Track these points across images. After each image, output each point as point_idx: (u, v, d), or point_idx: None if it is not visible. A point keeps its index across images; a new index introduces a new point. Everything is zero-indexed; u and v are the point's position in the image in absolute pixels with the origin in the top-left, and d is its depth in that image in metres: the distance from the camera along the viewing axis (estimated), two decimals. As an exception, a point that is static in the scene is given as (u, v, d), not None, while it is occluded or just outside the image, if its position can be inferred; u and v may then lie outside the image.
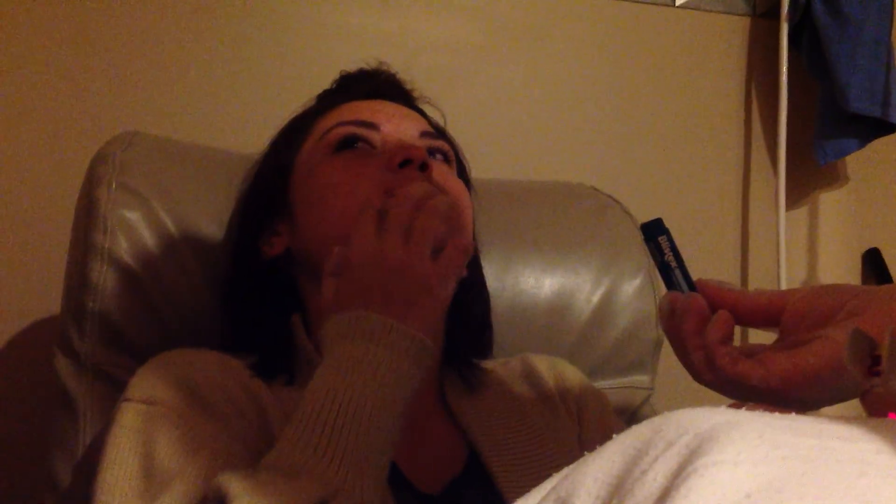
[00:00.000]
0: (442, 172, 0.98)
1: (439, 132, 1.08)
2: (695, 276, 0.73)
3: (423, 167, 0.93)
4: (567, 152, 1.73)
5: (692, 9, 1.80)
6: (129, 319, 1.06)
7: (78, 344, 1.06)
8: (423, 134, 1.02)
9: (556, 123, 1.73)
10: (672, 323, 0.72)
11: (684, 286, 0.73)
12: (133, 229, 1.07)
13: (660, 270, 0.75)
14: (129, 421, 0.84)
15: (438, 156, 1.02)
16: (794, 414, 0.40)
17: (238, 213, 1.09)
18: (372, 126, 0.99)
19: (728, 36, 1.83)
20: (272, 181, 1.04)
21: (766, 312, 0.71)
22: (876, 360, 0.51)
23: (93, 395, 1.05)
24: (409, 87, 1.14)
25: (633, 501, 0.37)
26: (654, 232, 0.75)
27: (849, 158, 1.87)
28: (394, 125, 1.00)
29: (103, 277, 1.05)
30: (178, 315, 1.09)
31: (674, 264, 0.74)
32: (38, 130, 1.47)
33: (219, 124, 1.52)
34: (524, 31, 1.73)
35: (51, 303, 1.18)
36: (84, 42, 1.50)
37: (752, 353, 0.67)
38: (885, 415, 0.49)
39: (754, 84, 1.84)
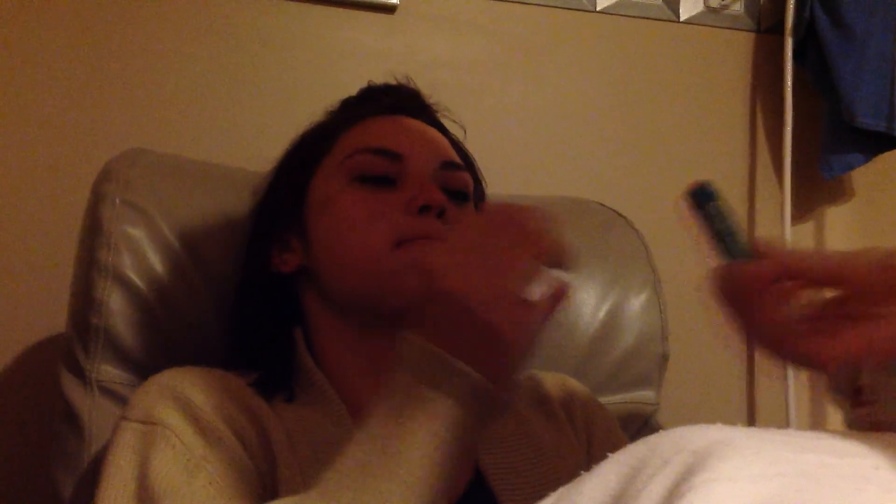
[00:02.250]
0: (458, 216, 0.98)
1: (460, 155, 1.08)
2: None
3: (441, 214, 0.94)
4: (573, 168, 1.73)
5: (696, 24, 1.80)
6: (134, 336, 1.06)
7: (83, 360, 1.06)
8: (445, 165, 1.01)
9: (562, 139, 1.73)
10: (732, 294, 0.68)
11: (740, 253, 0.68)
12: (137, 246, 1.08)
13: (712, 239, 0.69)
14: (126, 440, 0.84)
15: (456, 200, 1.00)
16: (790, 429, 0.39)
17: (252, 223, 1.09)
18: (394, 156, 0.99)
19: (732, 51, 1.83)
20: (289, 195, 1.04)
21: (834, 277, 0.66)
22: (859, 390, 0.50)
23: (97, 412, 1.05)
24: (430, 101, 1.14)
25: None
26: (702, 198, 0.70)
27: (855, 173, 1.86)
28: (416, 154, 0.99)
29: (107, 294, 1.05)
30: (181, 331, 1.09)
31: (730, 229, 0.69)
32: (43, 147, 1.48)
33: (224, 141, 1.52)
34: (529, 47, 1.73)
35: (57, 320, 1.18)
36: (89, 59, 1.51)
37: (818, 318, 0.64)
38: None
39: (759, 99, 1.84)
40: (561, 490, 0.42)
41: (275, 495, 0.83)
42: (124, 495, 0.79)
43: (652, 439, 0.40)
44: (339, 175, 0.99)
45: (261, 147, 1.12)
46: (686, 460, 0.37)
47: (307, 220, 1.00)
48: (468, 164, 1.09)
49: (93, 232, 1.08)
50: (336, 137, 1.03)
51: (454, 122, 1.15)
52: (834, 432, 0.40)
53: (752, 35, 1.84)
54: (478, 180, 1.11)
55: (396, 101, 1.09)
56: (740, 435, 0.38)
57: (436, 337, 0.70)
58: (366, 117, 1.05)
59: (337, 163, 1.00)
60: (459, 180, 1.03)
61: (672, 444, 0.39)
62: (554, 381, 1.11)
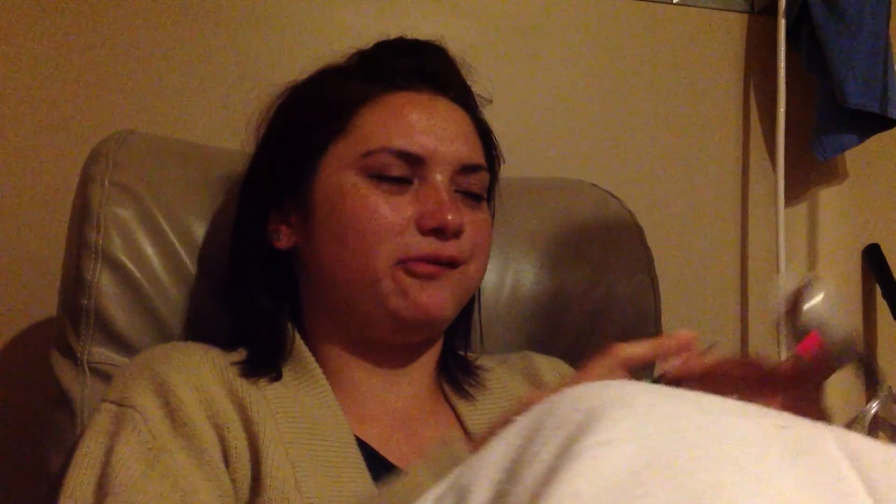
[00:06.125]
0: (471, 224, 0.96)
1: (481, 134, 1.04)
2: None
3: (457, 234, 0.93)
4: (566, 149, 1.73)
5: (690, 6, 1.80)
6: (124, 317, 1.07)
7: (74, 342, 1.07)
8: (465, 169, 0.97)
9: (555, 120, 1.73)
10: None
11: None
12: (126, 227, 1.09)
13: None
14: (99, 422, 0.85)
15: (470, 199, 0.99)
16: (699, 392, 0.38)
17: (247, 183, 1.05)
18: (416, 160, 0.94)
19: (726, 33, 1.83)
20: (294, 166, 0.98)
21: None
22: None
23: (89, 393, 1.06)
24: (460, 66, 1.08)
25: (521, 486, 0.36)
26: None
27: (848, 154, 1.85)
28: (439, 157, 0.95)
29: (97, 275, 1.06)
30: (171, 311, 1.10)
31: None
32: (33, 130, 1.49)
33: (213, 122, 1.53)
34: (522, 28, 1.73)
35: (49, 303, 1.19)
36: (79, 42, 1.51)
37: None
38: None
39: (752, 80, 1.84)
40: (470, 457, 0.41)
41: (257, 475, 0.84)
42: (88, 478, 0.81)
43: (553, 399, 0.39)
44: (354, 168, 0.94)
45: (250, 129, 1.12)
46: (578, 420, 0.36)
47: (313, 204, 0.96)
48: (488, 148, 1.05)
49: (82, 214, 1.09)
50: (352, 113, 0.97)
51: (481, 88, 1.10)
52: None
53: (745, 16, 1.84)
54: (495, 170, 1.08)
55: (421, 67, 1.02)
56: (638, 391, 0.37)
57: None
58: (387, 89, 0.99)
59: (354, 155, 0.95)
60: (476, 183, 0.99)
61: (569, 404, 0.37)
62: (548, 364, 1.12)
